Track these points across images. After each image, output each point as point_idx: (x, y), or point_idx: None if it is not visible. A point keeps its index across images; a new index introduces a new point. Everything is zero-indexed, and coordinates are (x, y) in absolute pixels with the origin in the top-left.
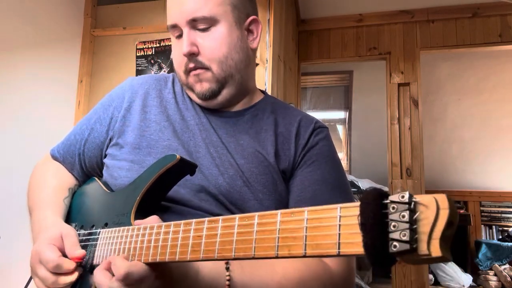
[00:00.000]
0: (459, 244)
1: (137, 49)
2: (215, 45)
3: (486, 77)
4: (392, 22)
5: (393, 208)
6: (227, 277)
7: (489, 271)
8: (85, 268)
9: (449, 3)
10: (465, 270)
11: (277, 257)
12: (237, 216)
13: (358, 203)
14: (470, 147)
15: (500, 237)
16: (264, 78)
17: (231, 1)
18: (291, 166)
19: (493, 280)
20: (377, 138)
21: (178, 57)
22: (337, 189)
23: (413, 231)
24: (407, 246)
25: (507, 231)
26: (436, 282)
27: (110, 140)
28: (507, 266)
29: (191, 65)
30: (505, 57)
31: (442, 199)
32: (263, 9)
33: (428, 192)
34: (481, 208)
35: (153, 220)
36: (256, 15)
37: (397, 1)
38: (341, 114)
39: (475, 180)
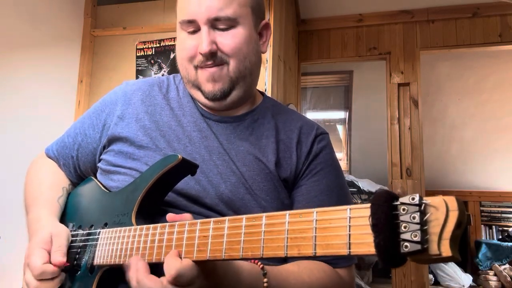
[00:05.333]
0: (459, 244)
1: (137, 49)
2: (236, 44)
3: (486, 77)
4: (392, 22)
5: (404, 209)
6: (265, 283)
7: (489, 271)
8: (85, 268)
9: (449, 3)
10: (465, 270)
11: (286, 257)
12: (244, 216)
13: (367, 205)
14: (470, 147)
15: (500, 237)
16: (264, 78)
17: (251, 4)
18: (293, 175)
19: (493, 280)
20: (377, 138)
21: (189, 51)
22: (342, 198)
23: (424, 232)
24: (418, 247)
25: (507, 231)
26: (436, 282)
27: (104, 147)
28: (507, 266)
29: (208, 62)
30: (505, 57)
31: (451, 200)
32: None
33: (428, 192)
34: (481, 208)
35: (187, 217)
36: (265, 19)
37: (397, 1)
38: (341, 114)
39: (475, 180)
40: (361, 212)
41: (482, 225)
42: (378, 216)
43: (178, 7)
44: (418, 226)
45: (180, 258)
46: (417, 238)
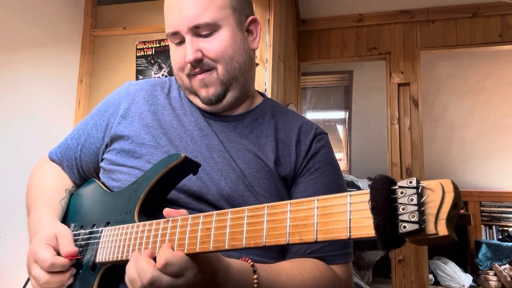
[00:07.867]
0: (459, 244)
1: (137, 49)
2: (220, 47)
3: (486, 77)
4: (392, 22)
5: (402, 192)
6: (255, 280)
7: (489, 271)
8: (87, 266)
9: (449, 3)
10: (465, 270)
11: (288, 244)
12: (246, 208)
13: (367, 190)
14: (470, 147)
15: (500, 237)
16: (264, 78)
17: (231, 4)
18: (292, 173)
19: (493, 280)
20: (377, 138)
21: (179, 61)
22: None
23: (421, 212)
24: (416, 226)
25: (507, 231)
26: (436, 282)
27: (106, 146)
28: (507, 266)
29: (196, 70)
30: (505, 57)
31: (447, 183)
32: (263, 9)
33: None
34: (481, 208)
35: (183, 213)
36: (253, 15)
37: (397, 1)
38: (341, 114)
39: (475, 180)
40: (361, 198)
41: (482, 225)
42: (377, 199)
43: (165, 21)
44: (415, 207)
45: (173, 249)
46: (415, 219)
